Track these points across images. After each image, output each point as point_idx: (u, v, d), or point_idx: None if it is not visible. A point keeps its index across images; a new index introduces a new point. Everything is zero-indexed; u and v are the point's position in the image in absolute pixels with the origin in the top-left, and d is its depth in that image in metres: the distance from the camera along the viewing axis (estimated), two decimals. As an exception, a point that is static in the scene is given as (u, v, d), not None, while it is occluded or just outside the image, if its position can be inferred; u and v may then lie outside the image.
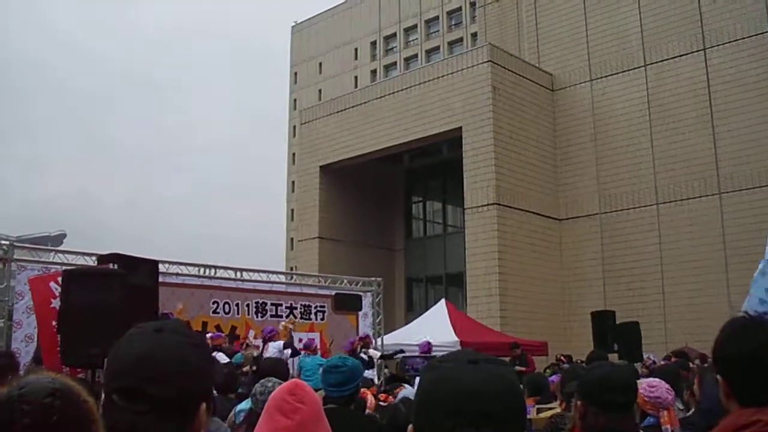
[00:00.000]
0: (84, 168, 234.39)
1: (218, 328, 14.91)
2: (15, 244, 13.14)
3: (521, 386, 1.58)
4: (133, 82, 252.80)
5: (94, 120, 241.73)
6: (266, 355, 12.97)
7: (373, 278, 19.29)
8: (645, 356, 17.33)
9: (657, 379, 4.58)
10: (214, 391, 7.19)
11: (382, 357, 16.22)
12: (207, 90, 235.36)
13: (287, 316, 16.49)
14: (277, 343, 13.57)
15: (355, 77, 62.79)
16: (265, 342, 13.60)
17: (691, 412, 5.40)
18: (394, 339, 19.32)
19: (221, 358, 12.03)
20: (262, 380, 4.81)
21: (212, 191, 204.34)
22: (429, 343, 16.51)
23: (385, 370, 16.33)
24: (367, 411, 6.96)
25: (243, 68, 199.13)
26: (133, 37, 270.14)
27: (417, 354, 16.42)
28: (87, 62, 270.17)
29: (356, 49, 64.23)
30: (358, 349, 14.86)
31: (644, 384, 4.13)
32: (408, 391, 9.43)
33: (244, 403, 5.68)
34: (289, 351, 13.27)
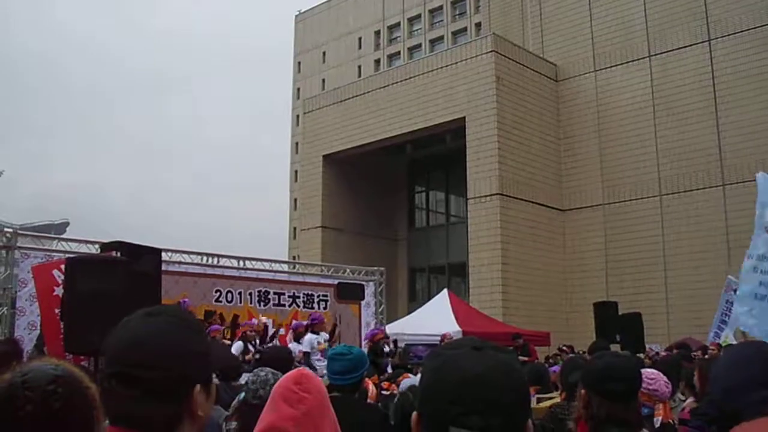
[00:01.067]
0: (91, 162, 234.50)
1: (221, 317, 14.92)
2: (18, 232, 13.15)
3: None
4: (137, 78, 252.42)
5: (100, 115, 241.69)
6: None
7: (375, 268, 19.29)
8: (648, 347, 17.36)
9: (656, 372, 4.57)
10: (216, 379, 7.20)
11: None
12: (211, 84, 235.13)
13: (290, 306, 16.53)
14: (319, 336, 13.69)
15: (359, 67, 62.67)
16: (307, 329, 13.73)
17: (688, 401, 5.40)
18: (396, 329, 19.34)
19: (237, 347, 12.11)
20: (255, 370, 4.81)
21: (217, 184, 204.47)
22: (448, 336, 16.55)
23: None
24: (369, 400, 6.97)
25: (248, 61, 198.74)
26: (138, 33, 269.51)
27: (420, 342, 16.45)
28: (92, 58, 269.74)
29: (360, 39, 64.10)
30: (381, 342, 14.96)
31: (644, 375, 4.12)
32: (411, 380, 9.44)
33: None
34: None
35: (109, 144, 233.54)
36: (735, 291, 18.38)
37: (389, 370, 14.38)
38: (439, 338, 16.43)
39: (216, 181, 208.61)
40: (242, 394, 5.31)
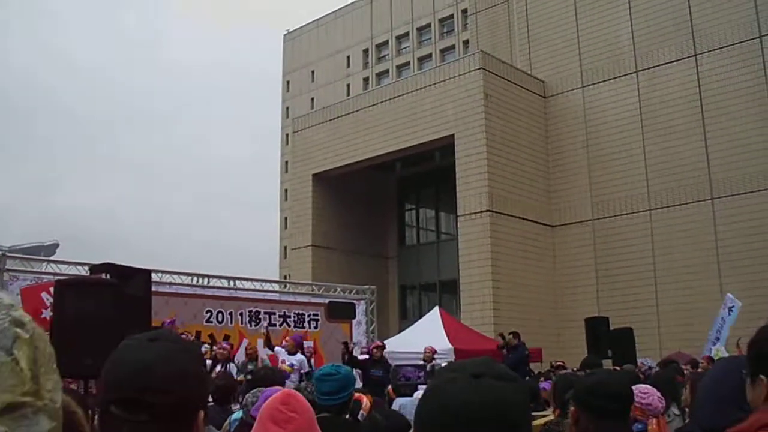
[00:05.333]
0: (92, 186, 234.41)
1: (212, 337, 14.88)
2: (7, 254, 13.09)
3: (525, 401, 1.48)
4: (136, 103, 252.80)
5: (100, 140, 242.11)
6: None
7: (366, 286, 19.30)
8: (639, 361, 17.35)
9: (650, 387, 4.57)
10: (212, 402, 7.17)
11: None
12: (210, 107, 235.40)
13: (281, 325, 16.48)
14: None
15: (348, 85, 62.87)
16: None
17: (687, 421, 5.41)
18: (388, 347, 19.27)
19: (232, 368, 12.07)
20: (254, 390, 4.80)
21: (216, 204, 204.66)
22: (432, 349, 16.50)
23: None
24: (362, 413, 6.94)
25: (244, 82, 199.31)
26: (136, 62, 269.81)
27: (410, 363, 16.38)
28: (91, 84, 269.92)
29: (348, 57, 64.32)
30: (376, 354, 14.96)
31: (637, 390, 4.12)
32: (401, 401, 9.39)
33: (238, 412, 5.67)
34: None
35: (110, 167, 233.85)
36: (730, 309, 18.47)
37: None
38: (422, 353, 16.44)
39: (215, 201, 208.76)
40: (238, 413, 5.29)
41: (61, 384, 1.09)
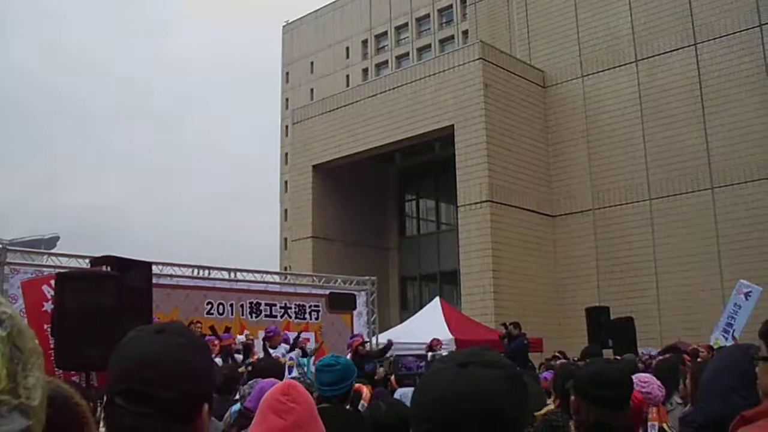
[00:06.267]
0: (94, 183, 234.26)
1: (212, 329, 14.88)
2: (8, 247, 13.08)
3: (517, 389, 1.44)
4: (138, 100, 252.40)
5: (103, 137, 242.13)
6: None
7: (367, 277, 19.27)
8: (641, 351, 17.36)
9: (649, 375, 4.58)
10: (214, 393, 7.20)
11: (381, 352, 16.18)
12: (208, 105, 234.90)
13: (282, 317, 16.48)
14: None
15: (347, 76, 62.78)
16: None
17: (688, 408, 5.42)
18: (389, 337, 19.34)
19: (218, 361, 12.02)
20: (250, 381, 4.80)
21: (221, 197, 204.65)
22: (437, 341, 16.53)
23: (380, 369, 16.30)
24: (363, 403, 6.96)
25: (241, 80, 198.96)
26: (140, 58, 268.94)
27: (411, 353, 16.45)
28: (94, 81, 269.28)
29: (348, 48, 64.24)
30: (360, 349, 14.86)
31: (637, 379, 4.13)
32: (402, 391, 9.42)
33: (239, 403, 5.69)
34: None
35: (112, 164, 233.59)
36: (746, 294, 18.26)
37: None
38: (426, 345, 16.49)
39: (219, 198, 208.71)
40: (237, 405, 5.31)
41: (44, 381, 1.08)
